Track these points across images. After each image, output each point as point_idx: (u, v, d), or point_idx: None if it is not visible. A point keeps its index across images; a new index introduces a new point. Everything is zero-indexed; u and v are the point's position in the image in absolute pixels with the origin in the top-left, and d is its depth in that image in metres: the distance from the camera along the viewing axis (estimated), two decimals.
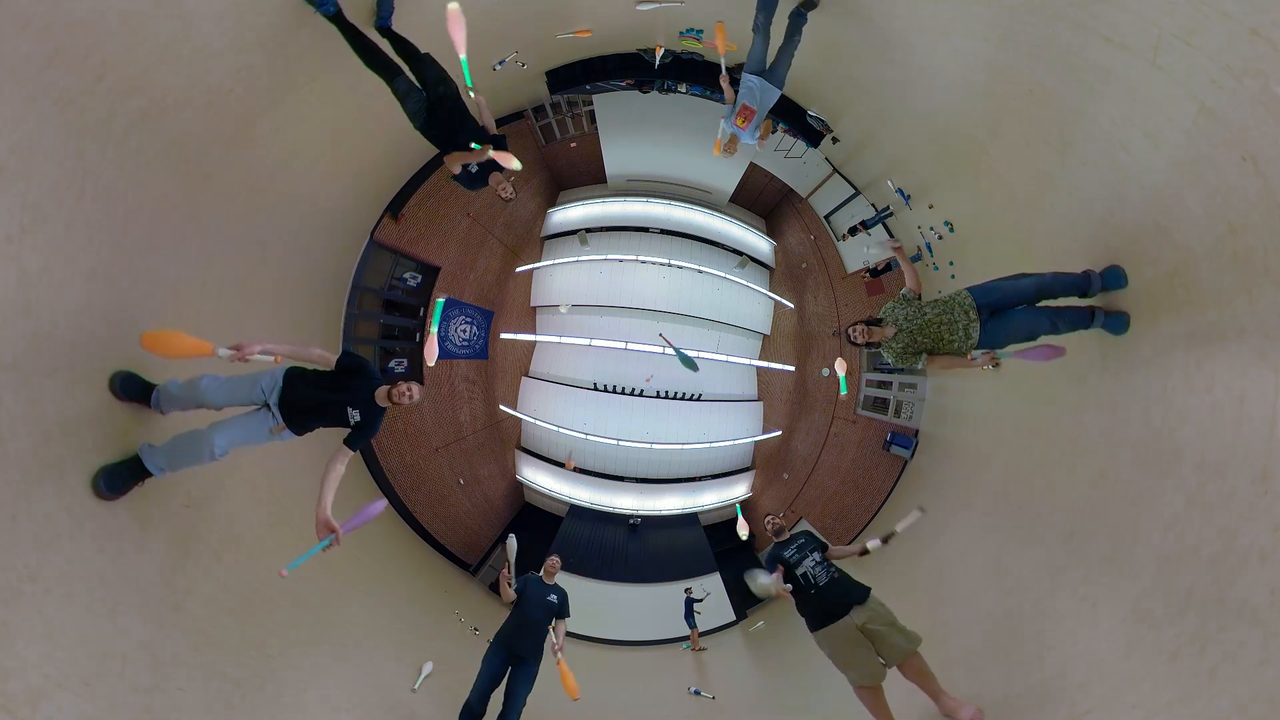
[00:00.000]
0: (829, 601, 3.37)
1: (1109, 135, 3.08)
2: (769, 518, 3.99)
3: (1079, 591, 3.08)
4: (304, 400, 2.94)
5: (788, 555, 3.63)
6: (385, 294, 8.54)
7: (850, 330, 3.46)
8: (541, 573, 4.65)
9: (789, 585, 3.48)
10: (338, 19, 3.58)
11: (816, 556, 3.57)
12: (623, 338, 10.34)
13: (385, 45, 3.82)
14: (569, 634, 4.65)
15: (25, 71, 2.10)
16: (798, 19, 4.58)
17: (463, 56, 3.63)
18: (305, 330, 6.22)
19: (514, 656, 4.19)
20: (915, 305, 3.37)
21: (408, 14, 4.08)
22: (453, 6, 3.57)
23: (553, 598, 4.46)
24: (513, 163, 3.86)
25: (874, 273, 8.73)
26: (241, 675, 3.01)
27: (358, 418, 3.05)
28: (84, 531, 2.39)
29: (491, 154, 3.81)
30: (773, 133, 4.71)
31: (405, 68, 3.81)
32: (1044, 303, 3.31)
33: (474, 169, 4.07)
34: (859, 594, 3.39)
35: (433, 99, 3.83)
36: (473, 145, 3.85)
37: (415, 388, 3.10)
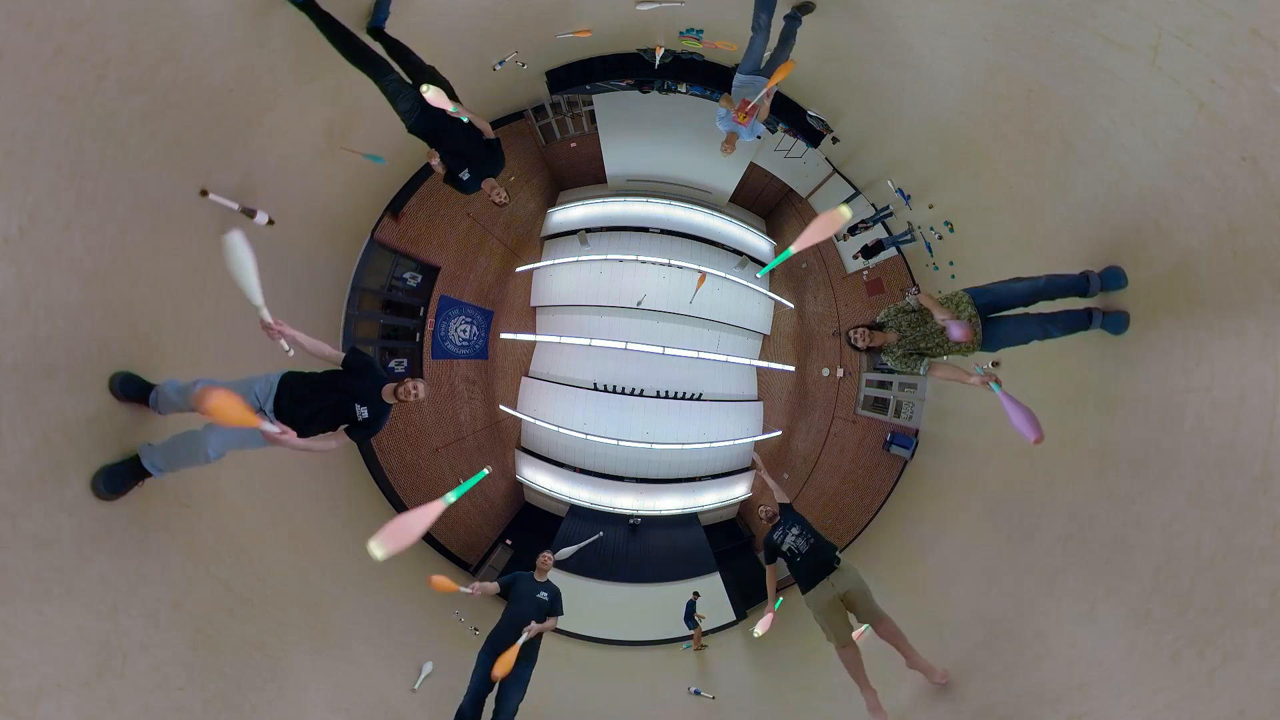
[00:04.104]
0: (811, 564, 3.91)
1: (1109, 135, 3.08)
2: (763, 508, 4.43)
3: (1079, 592, 3.08)
4: (302, 407, 2.92)
5: (775, 538, 4.18)
6: (385, 294, 8.54)
7: (851, 334, 3.46)
8: (534, 570, 4.59)
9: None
10: (308, 7, 3.39)
11: (795, 530, 4.11)
12: (623, 338, 10.33)
13: (377, 47, 3.74)
14: (565, 632, 4.61)
15: (27, 70, 2.10)
16: (792, 22, 4.61)
17: (452, 108, 3.56)
18: (306, 330, 6.21)
19: None
20: (916, 312, 3.37)
21: (414, 19, 4.09)
22: (429, 93, 3.43)
23: (544, 595, 4.38)
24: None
25: (867, 252, 8.62)
26: (241, 675, 3.01)
27: (365, 414, 3.04)
28: (84, 531, 2.39)
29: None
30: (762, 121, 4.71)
31: (395, 65, 3.69)
32: (1041, 305, 3.31)
33: (465, 175, 3.92)
34: (830, 550, 3.98)
35: (431, 105, 3.58)
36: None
37: (421, 385, 3.12)
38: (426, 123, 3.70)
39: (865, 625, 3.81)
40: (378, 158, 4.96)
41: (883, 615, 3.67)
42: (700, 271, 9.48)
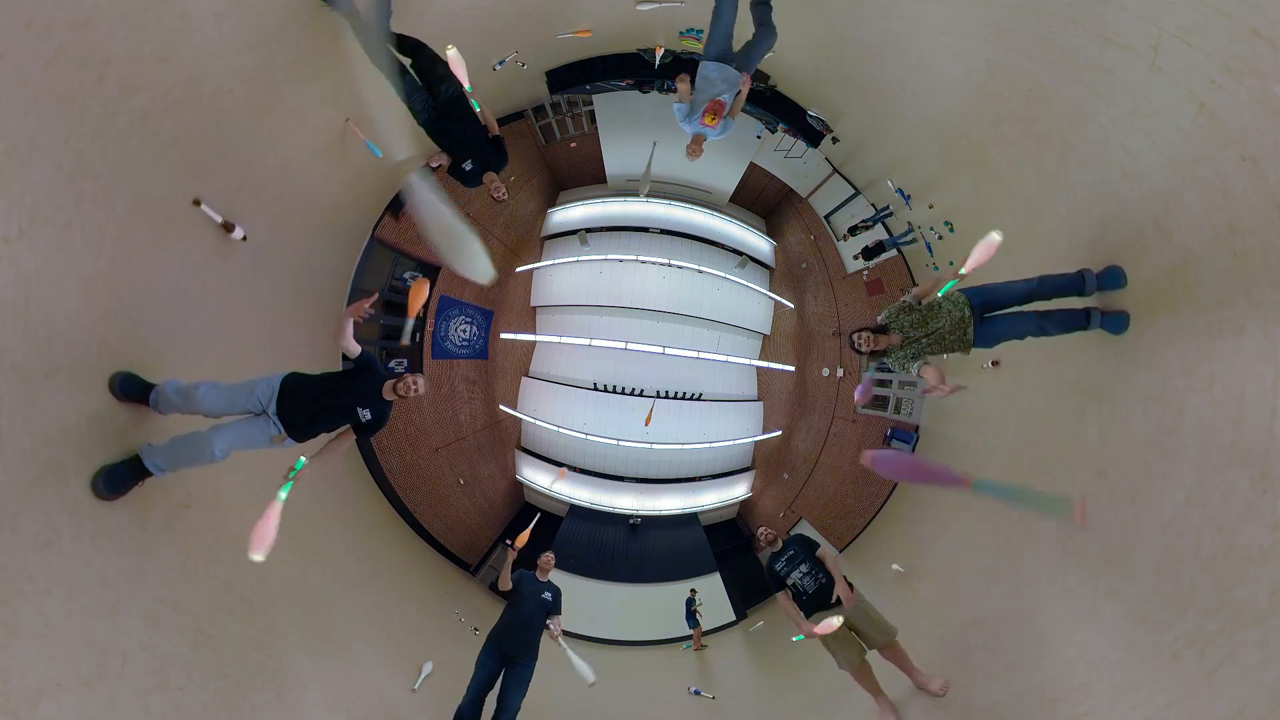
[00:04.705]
0: (817, 604, 3.78)
1: (1109, 135, 3.08)
2: (761, 530, 4.27)
3: (1079, 592, 3.08)
4: (304, 408, 2.93)
5: (779, 568, 3.99)
6: (385, 294, 8.54)
7: (855, 338, 3.45)
8: (535, 570, 4.61)
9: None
10: (351, 16, 3.62)
11: (804, 568, 3.89)
12: (623, 338, 10.33)
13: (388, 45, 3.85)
14: (565, 631, 4.64)
15: (27, 71, 2.10)
16: (763, 9, 4.13)
17: (468, 86, 3.93)
18: (306, 330, 6.22)
19: (507, 657, 4.13)
20: (919, 312, 3.37)
21: (414, 18, 4.10)
22: (451, 52, 3.84)
23: (547, 595, 4.42)
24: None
25: (868, 253, 8.62)
26: (241, 675, 3.02)
27: (369, 416, 3.07)
28: (84, 531, 2.39)
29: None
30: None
31: (409, 68, 3.87)
32: (1038, 304, 3.32)
33: (468, 166, 4.16)
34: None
35: (441, 101, 3.91)
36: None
37: (420, 380, 3.14)
38: (438, 119, 3.97)
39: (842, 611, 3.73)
40: (375, 149, 5.12)
41: (892, 641, 3.60)
42: (650, 408, 10.09)
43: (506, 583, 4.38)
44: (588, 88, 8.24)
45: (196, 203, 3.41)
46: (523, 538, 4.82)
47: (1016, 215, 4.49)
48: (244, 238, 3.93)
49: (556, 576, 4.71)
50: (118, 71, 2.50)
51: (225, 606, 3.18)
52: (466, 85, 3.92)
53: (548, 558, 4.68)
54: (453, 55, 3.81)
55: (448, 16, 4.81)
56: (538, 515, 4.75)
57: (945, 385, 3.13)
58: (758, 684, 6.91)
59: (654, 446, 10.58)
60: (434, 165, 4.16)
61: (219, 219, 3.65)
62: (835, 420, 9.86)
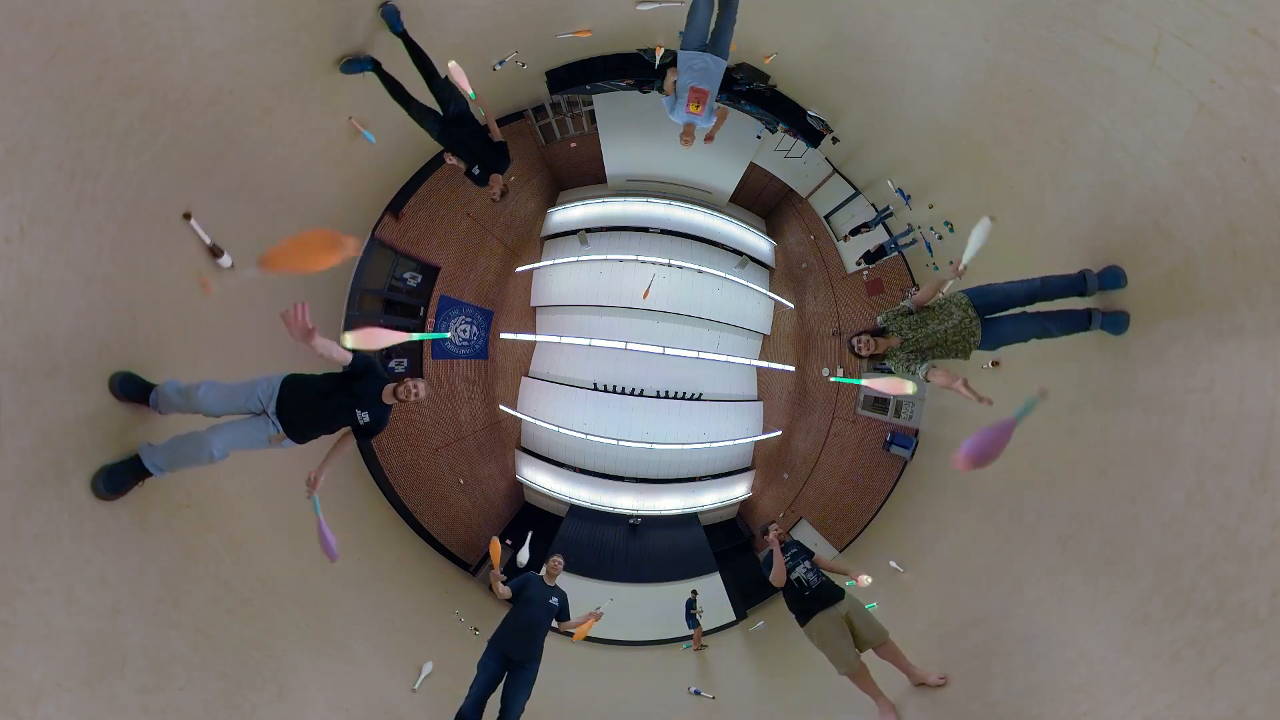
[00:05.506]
0: (819, 600, 3.85)
1: (1109, 135, 3.08)
2: (773, 526, 4.33)
3: (1079, 592, 3.08)
4: (304, 409, 2.92)
5: (785, 562, 4.04)
6: (385, 294, 8.54)
7: (855, 342, 3.42)
8: (543, 573, 4.60)
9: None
10: (377, 70, 4.08)
11: (807, 564, 4.04)
12: (623, 338, 10.33)
13: (402, 49, 4.09)
14: (566, 631, 4.64)
15: (26, 71, 2.10)
16: None
17: (471, 94, 4.29)
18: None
19: (511, 660, 4.10)
20: (916, 315, 3.35)
21: (415, 20, 4.12)
22: (452, 65, 4.15)
23: (554, 600, 4.41)
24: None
25: (869, 258, 8.61)
26: (241, 675, 3.01)
27: (367, 419, 3.06)
28: (84, 531, 2.39)
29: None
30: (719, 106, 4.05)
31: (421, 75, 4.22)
32: (1040, 305, 3.31)
33: (476, 171, 4.58)
34: (839, 593, 3.91)
35: (449, 116, 4.33)
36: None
37: (421, 384, 3.12)
38: (448, 135, 4.42)
39: (868, 578, 3.99)
40: (370, 136, 5.28)
41: (885, 638, 3.66)
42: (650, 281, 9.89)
43: (505, 592, 4.33)
44: (588, 88, 8.22)
45: (187, 216, 3.37)
46: (495, 555, 4.63)
47: (1016, 215, 4.48)
48: (232, 265, 3.84)
49: (559, 578, 4.70)
50: (117, 71, 2.50)
51: (225, 606, 3.18)
52: (470, 93, 4.23)
53: (556, 561, 4.65)
54: (453, 67, 4.13)
55: (448, 17, 4.81)
56: (530, 534, 4.92)
57: (964, 389, 3.05)
58: (758, 684, 6.91)
59: (654, 446, 10.58)
60: (450, 161, 4.69)
61: (208, 239, 3.57)
62: (835, 420, 9.85)
